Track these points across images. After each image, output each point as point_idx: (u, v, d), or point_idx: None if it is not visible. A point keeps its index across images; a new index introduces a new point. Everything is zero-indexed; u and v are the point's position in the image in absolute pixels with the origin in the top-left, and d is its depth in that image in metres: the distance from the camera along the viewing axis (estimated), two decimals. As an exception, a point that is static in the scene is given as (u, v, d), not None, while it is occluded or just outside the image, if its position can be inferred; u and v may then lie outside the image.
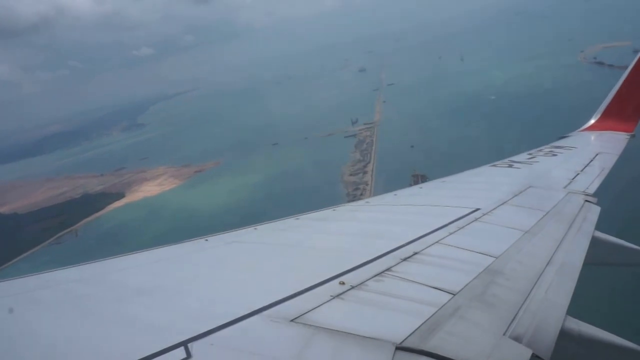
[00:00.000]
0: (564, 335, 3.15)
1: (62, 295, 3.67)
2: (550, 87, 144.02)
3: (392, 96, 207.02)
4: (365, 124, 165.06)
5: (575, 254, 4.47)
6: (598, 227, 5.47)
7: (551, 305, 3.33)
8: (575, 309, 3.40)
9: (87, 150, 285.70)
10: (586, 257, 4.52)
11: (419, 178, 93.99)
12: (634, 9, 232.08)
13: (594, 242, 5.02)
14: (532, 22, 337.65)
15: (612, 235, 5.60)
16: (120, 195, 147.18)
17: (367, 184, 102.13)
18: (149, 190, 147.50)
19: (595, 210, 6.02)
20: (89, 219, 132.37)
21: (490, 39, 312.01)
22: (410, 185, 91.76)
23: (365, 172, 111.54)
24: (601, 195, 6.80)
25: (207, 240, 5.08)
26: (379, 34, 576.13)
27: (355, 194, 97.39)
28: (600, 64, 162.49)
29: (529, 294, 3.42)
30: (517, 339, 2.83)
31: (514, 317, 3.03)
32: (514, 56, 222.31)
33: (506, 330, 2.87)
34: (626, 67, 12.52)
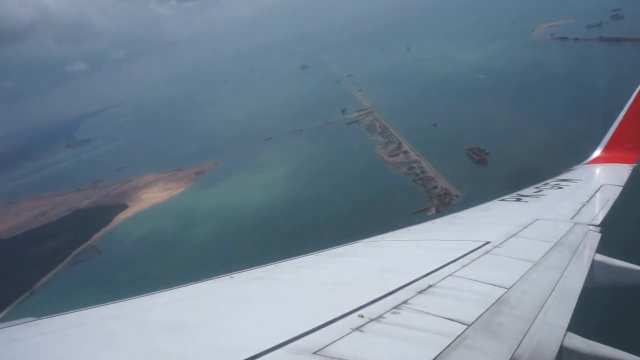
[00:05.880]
0: (569, 353, 3.44)
1: (96, 333, 3.90)
2: (531, 63, 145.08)
3: (363, 85, 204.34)
4: (358, 111, 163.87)
5: (576, 278, 4.78)
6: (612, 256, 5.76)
7: (550, 327, 3.60)
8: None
9: (37, 170, 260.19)
10: (592, 280, 4.91)
11: (477, 151, 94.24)
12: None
13: (597, 266, 5.40)
14: (456, 13, 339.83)
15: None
16: (122, 206, 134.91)
17: (419, 162, 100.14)
18: (153, 197, 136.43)
19: (596, 237, 6.35)
20: (100, 233, 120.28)
21: (424, 30, 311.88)
22: (469, 156, 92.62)
23: (405, 152, 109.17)
24: (605, 223, 7.11)
25: (232, 277, 5.38)
26: (297, 35, 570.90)
27: (416, 173, 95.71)
28: (564, 38, 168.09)
29: (533, 321, 3.66)
30: None
31: (519, 344, 3.26)
32: (465, 42, 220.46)
33: (511, 357, 3.09)
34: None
